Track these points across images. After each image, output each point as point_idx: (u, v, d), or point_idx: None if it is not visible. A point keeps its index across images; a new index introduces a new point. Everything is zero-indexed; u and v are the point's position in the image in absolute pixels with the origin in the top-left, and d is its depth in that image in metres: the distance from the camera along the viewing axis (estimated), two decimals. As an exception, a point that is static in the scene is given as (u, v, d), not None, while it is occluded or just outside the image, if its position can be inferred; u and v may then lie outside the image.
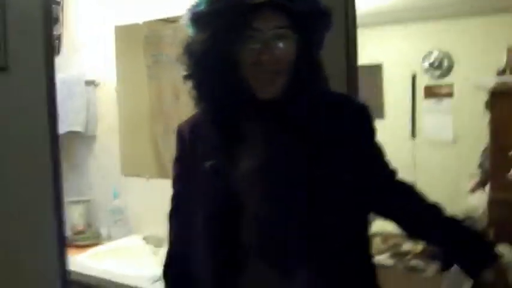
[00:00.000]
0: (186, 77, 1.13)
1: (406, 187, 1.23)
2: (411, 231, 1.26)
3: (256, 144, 1.12)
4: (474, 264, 1.15)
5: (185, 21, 1.09)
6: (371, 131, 1.21)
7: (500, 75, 4.05)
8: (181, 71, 1.14)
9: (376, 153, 1.22)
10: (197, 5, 1.07)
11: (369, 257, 1.23)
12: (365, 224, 1.20)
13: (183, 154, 1.24)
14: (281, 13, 1.04)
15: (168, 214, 1.29)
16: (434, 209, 1.20)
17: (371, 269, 1.21)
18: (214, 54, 1.06)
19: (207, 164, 1.13)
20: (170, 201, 1.29)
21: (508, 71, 3.94)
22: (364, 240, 1.21)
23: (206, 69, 1.09)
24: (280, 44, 1.05)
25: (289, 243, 1.09)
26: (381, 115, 5.45)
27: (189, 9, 1.08)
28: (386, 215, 1.24)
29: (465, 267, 1.18)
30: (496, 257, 1.15)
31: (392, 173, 1.23)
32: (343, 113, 1.17)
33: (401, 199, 1.22)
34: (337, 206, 1.11)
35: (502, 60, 4.09)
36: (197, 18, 1.07)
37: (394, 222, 1.24)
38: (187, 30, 1.10)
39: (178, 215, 1.27)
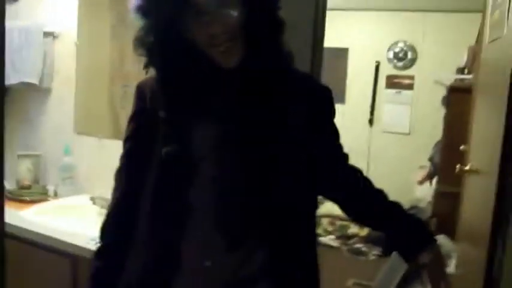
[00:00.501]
0: (146, 66, 1.14)
1: (354, 171, 1.27)
2: (353, 214, 1.29)
3: (218, 111, 1.13)
4: (411, 247, 1.20)
5: (132, 13, 1.10)
6: (330, 113, 1.23)
7: (459, 73, 4.18)
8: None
9: (331, 135, 1.25)
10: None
11: (314, 236, 1.25)
12: (313, 203, 1.22)
13: (141, 110, 1.22)
14: None
15: (116, 171, 1.27)
16: (377, 194, 1.24)
17: (313, 248, 1.23)
18: (167, 38, 1.08)
19: (162, 129, 1.13)
20: (120, 159, 1.27)
21: (467, 70, 4.06)
22: (311, 219, 1.23)
23: (164, 55, 1.10)
24: (226, 10, 1.04)
25: (239, 211, 1.10)
26: (342, 100, 5.52)
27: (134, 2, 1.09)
28: (333, 196, 1.27)
29: (402, 250, 1.22)
30: (432, 242, 1.20)
31: (343, 156, 1.27)
32: (306, 91, 1.19)
33: (347, 182, 1.26)
34: (289, 179, 1.13)
35: (463, 59, 4.20)
36: (142, 7, 1.08)
37: (338, 205, 1.27)
38: (136, 23, 1.11)
39: (127, 170, 1.25)
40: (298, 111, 1.15)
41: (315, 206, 1.23)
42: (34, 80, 2.59)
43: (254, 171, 1.09)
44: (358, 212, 1.28)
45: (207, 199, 1.11)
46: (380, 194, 1.24)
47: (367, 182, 1.26)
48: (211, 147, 1.11)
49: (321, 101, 1.21)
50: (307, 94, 1.18)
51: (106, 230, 1.26)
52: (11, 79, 2.54)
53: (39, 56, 2.59)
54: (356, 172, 1.27)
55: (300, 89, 1.18)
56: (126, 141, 1.25)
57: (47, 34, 2.59)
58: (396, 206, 1.23)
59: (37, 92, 2.66)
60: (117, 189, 1.26)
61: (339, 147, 1.26)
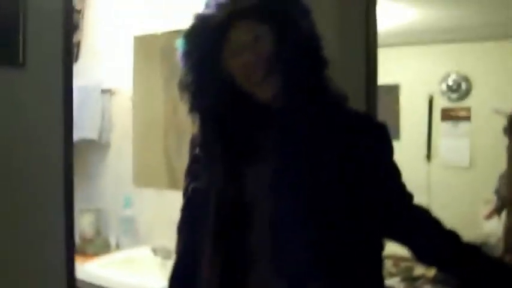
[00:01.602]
0: (190, 111, 1.16)
1: (422, 211, 1.19)
2: (425, 258, 1.22)
3: (266, 150, 1.12)
4: None
5: (179, 61, 1.15)
6: (389, 151, 1.18)
7: (520, 100, 4.01)
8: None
9: (392, 174, 1.19)
10: (182, 44, 1.13)
11: (381, 279, 1.19)
12: (378, 246, 1.17)
13: (194, 164, 1.23)
14: (248, 15, 1.08)
15: (177, 224, 1.27)
16: (450, 236, 1.16)
17: None
18: (207, 77, 1.11)
19: (215, 175, 1.14)
20: (180, 212, 1.27)
21: (527, 97, 3.89)
22: (376, 261, 1.18)
23: (205, 94, 1.13)
24: (259, 43, 1.08)
25: (299, 255, 1.06)
26: (397, 136, 5.41)
27: (179, 52, 1.14)
28: (400, 239, 1.20)
29: None
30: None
31: (408, 196, 1.20)
32: (360, 128, 1.15)
33: (416, 223, 1.19)
34: (351, 224, 1.09)
35: (522, 86, 4.04)
36: (185, 52, 1.13)
37: (407, 247, 1.19)
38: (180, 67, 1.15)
39: (186, 225, 1.25)
40: (354, 150, 1.11)
41: (380, 248, 1.18)
42: (94, 136, 2.69)
43: (310, 213, 1.06)
44: (429, 255, 1.19)
45: (266, 243, 1.09)
46: (452, 234, 1.15)
47: (436, 221, 1.17)
48: (264, 189, 1.09)
49: (377, 138, 1.17)
50: (362, 132, 1.15)
51: (172, 284, 1.27)
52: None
53: (98, 112, 2.69)
54: (423, 211, 1.19)
55: (353, 127, 1.14)
56: (185, 194, 1.26)
57: (104, 91, 2.70)
58: (470, 246, 1.15)
59: (96, 147, 2.75)
60: (179, 243, 1.27)
61: (402, 186, 1.19)
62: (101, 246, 2.57)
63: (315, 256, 1.06)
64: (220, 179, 1.13)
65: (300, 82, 1.09)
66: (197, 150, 1.21)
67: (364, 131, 1.16)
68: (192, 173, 1.24)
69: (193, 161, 1.24)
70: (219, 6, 1.09)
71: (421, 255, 1.20)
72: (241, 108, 1.13)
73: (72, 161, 1.40)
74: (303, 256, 1.07)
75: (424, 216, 1.19)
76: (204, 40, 1.09)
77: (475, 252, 1.15)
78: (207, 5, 1.12)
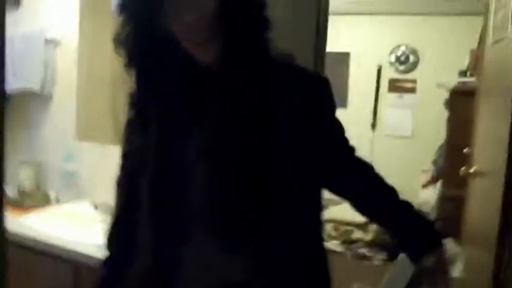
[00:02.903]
0: (126, 66, 1.12)
1: (364, 165, 1.23)
2: (365, 209, 1.25)
3: (203, 111, 1.10)
4: (418, 248, 1.18)
5: (115, 13, 1.09)
6: (329, 104, 1.18)
7: (462, 76, 4.16)
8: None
9: (335, 128, 1.20)
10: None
11: (321, 240, 1.23)
12: (318, 203, 1.19)
13: (132, 122, 1.21)
14: None
15: (117, 179, 1.26)
16: (389, 191, 1.21)
17: (322, 253, 1.21)
18: (146, 33, 1.06)
19: (152, 130, 1.12)
20: (118, 167, 1.26)
21: (469, 72, 4.04)
22: (316, 222, 1.20)
23: (143, 51, 1.09)
24: (200, 1, 1.02)
25: (235, 214, 1.07)
26: (344, 104, 5.51)
27: (114, 2, 1.10)
28: (342, 190, 1.23)
29: (409, 250, 1.20)
30: (439, 244, 1.18)
31: (351, 149, 1.22)
32: (300, 83, 1.13)
33: (358, 176, 1.22)
34: (287, 176, 1.09)
35: (465, 62, 4.19)
36: (120, 9, 1.08)
37: (348, 200, 1.23)
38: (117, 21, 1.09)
39: (123, 181, 1.24)
40: (293, 104, 1.10)
41: (320, 206, 1.20)
42: (35, 87, 2.58)
43: (247, 170, 1.06)
44: (368, 207, 1.24)
45: (202, 202, 1.09)
46: (391, 190, 1.21)
47: (378, 177, 1.22)
48: (201, 149, 1.09)
49: (317, 92, 1.15)
50: (301, 86, 1.13)
51: (109, 241, 1.27)
52: (12, 85, 2.53)
53: (41, 62, 2.58)
54: (366, 166, 1.23)
55: (292, 82, 1.12)
56: (122, 149, 1.25)
57: (48, 41, 2.58)
58: (407, 204, 1.20)
59: (38, 98, 2.66)
60: (117, 199, 1.26)
61: (345, 140, 1.21)
62: (40, 200, 2.51)
63: (251, 215, 1.07)
64: (156, 141, 1.12)
65: (241, 44, 1.07)
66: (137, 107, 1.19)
67: (302, 84, 1.13)
68: (129, 130, 1.22)
69: (131, 117, 1.22)
70: None
71: (361, 206, 1.24)
72: (181, 68, 1.09)
73: (3, 109, 1.32)
74: (238, 215, 1.07)
75: (366, 169, 1.23)
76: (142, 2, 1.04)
77: (409, 209, 1.21)
78: None
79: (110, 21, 2.40)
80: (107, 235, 1.28)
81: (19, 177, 2.59)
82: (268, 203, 1.07)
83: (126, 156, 1.24)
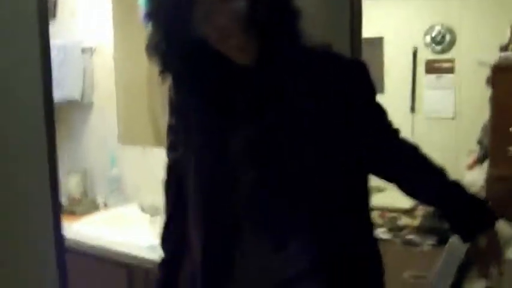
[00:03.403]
0: (161, 73, 1.11)
1: (410, 147, 1.20)
2: (413, 191, 1.23)
3: (247, 112, 1.10)
4: (470, 227, 1.15)
5: (143, 23, 1.09)
6: (370, 88, 1.16)
7: (503, 51, 4.01)
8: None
9: (378, 112, 1.18)
10: (145, 4, 1.08)
11: (371, 226, 1.21)
12: (364, 191, 1.18)
13: (174, 122, 1.23)
14: None
15: (163, 184, 1.28)
16: (437, 171, 1.18)
17: (374, 241, 1.19)
18: (179, 41, 1.05)
19: (196, 138, 1.13)
20: (165, 170, 1.28)
21: (510, 47, 3.90)
22: (365, 210, 1.18)
23: (177, 58, 1.07)
24: (232, 3, 1.01)
25: (284, 210, 1.07)
26: (381, 89, 5.41)
27: (142, 11, 1.07)
28: (390, 174, 1.21)
29: (461, 230, 1.17)
30: (492, 224, 1.15)
31: (395, 131, 1.20)
32: (339, 71, 1.12)
33: (405, 158, 1.20)
34: (334, 169, 1.08)
35: (505, 37, 4.04)
36: (150, 13, 1.07)
37: (396, 183, 1.20)
38: (147, 30, 1.09)
39: (172, 185, 1.26)
40: (335, 92, 1.09)
41: (367, 193, 1.19)
42: (76, 96, 2.65)
43: (295, 167, 1.06)
44: (417, 188, 1.21)
45: (250, 202, 1.09)
46: (440, 171, 1.18)
47: (425, 158, 1.19)
48: (246, 150, 1.08)
49: (357, 78, 1.14)
50: (341, 73, 1.11)
51: (164, 244, 1.30)
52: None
53: (79, 72, 2.64)
54: (412, 148, 1.20)
55: (332, 70, 1.11)
56: (168, 152, 1.26)
57: (85, 50, 2.64)
58: (457, 183, 1.18)
59: (79, 107, 2.72)
60: (166, 202, 1.29)
61: (388, 123, 1.19)
62: (89, 206, 2.58)
63: (299, 210, 1.07)
64: (200, 145, 1.12)
65: (277, 42, 1.06)
66: (179, 110, 1.20)
67: (341, 70, 1.12)
68: (173, 132, 1.24)
69: (173, 121, 1.23)
70: None
71: (410, 188, 1.21)
72: (218, 70, 1.08)
73: (53, 122, 1.37)
74: (287, 212, 1.07)
75: (412, 150, 1.20)
76: (170, 1, 1.03)
77: (460, 189, 1.18)
78: None
79: (143, 27, 2.44)
80: (160, 236, 1.30)
81: (67, 185, 2.66)
82: (317, 198, 1.07)
83: (171, 160, 1.26)
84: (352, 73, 1.13)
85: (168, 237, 1.29)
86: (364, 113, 1.14)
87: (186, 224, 1.20)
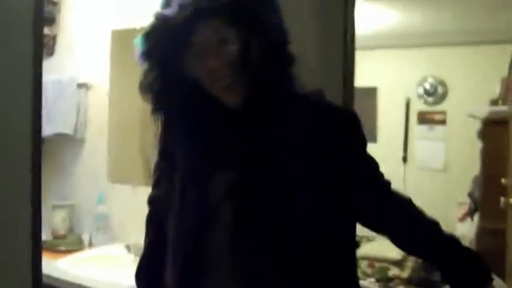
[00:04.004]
0: (154, 111, 1.12)
1: (401, 199, 1.19)
2: (405, 243, 1.20)
3: (231, 154, 1.09)
4: (466, 282, 1.12)
5: (138, 61, 1.10)
6: (361, 139, 1.16)
7: (493, 105, 4.08)
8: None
9: (368, 163, 1.17)
10: (140, 46, 1.09)
11: (355, 278, 1.19)
12: (352, 244, 1.16)
13: (161, 159, 1.23)
14: (212, 16, 1.03)
15: (146, 218, 1.27)
16: (430, 224, 1.16)
17: None
18: (171, 80, 1.07)
19: (179, 174, 1.12)
20: (148, 205, 1.27)
21: (500, 101, 3.96)
22: (350, 260, 1.16)
23: (169, 98, 1.09)
24: (225, 46, 1.03)
25: (260, 257, 1.04)
26: (374, 139, 5.45)
27: (138, 50, 1.10)
28: (381, 226, 1.19)
29: (456, 285, 1.15)
30: (488, 279, 1.13)
31: (386, 183, 1.19)
32: (331, 120, 1.12)
33: (396, 210, 1.18)
34: (316, 218, 1.06)
35: (495, 90, 4.12)
36: (145, 52, 1.08)
37: (387, 235, 1.18)
38: (141, 69, 1.11)
39: (153, 221, 1.25)
40: (325, 141, 1.08)
41: (354, 243, 1.17)
42: (68, 131, 2.65)
43: (277, 215, 1.04)
44: (409, 240, 1.18)
45: (226, 244, 1.06)
46: (433, 224, 1.16)
47: (418, 210, 1.17)
48: (228, 191, 1.07)
49: (348, 128, 1.13)
50: (332, 123, 1.11)
51: (138, 278, 1.27)
52: (45, 130, 2.59)
53: (73, 107, 2.65)
54: (405, 200, 1.18)
55: (322, 119, 1.10)
56: (152, 188, 1.26)
57: (80, 85, 2.66)
58: (451, 236, 1.16)
59: (71, 142, 2.71)
60: (146, 236, 1.27)
61: (379, 174, 1.18)
62: (73, 243, 2.53)
63: (275, 259, 1.04)
64: (182, 184, 1.11)
65: (268, 86, 1.06)
66: (167, 148, 1.19)
67: (332, 120, 1.12)
68: (159, 169, 1.24)
69: (162, 158, 1.23)
70: (182, 6, 1.02)
71: (402, 241, 1.19)
72: (207, 111, 1.09)
73: (40, 155, 1.36)
74: (262, 259, 1.04)
75: (403, 202, 1.18)
76: (166, 41, 1.04)
77: (455, 243, 1.15)
78: (167, 3, 1.06)
79: (139, 65, 2.46)
80: (136, 272, 1.28)
81: (53, 220, 2.62)
82: (297, 243, 1.04)
83: (155, 196, 1.25)
84: (344, 123, 1.13)
85: (143, 273, 1.27)
86: (354, 164, 1.13)
87: (163, 261, 1.17)
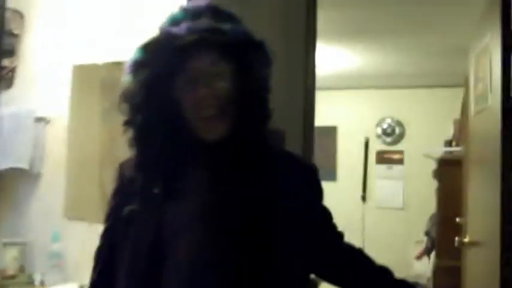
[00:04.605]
0: (126, 123, 1.11)
1: (353, 250, 1.22)
2: None
3: (194, 188, 1.08)
4: None
5: (126, 71, 1.09)
6: (317, 191, 1.20)
7: (447, 145, 4.23)
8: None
9: (322, 215, 1.21)
10: (134, 54, 1.09)
11: None
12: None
13: (118, 191, 1.20)
14: (215, 49, 1.05)
15: (95, 252, 1.23)
16: (383, 273, 1.19)
17: None
18: (154, 98, 1.06)
19: (128, 209, 1.10)
20: (99, 238, 1.23)
21: (454, 142, 4.12)
22: None
23: (147, 114, 1.08)
24: (218, 80, 1.05)
25: None
26: (334, 178, 5.53)
27: (129, 60, 1.09)
28: (333, 278, 1.21)
29: None
30: None
31: (338, 235, 1.22)
32: (291, 170, 1.15)
33: (348, 262, 1.21)
34: (275, 267, 1.05)
35: (449, 132, 4.27)
36: (137, 61, 1.08)
37: (339, 284, 1.20)
38: (126, 79, 1.10)
39: (103, 253, 1.21)
40: (283, 191, 1.10)
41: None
42: (24, 165, 2.57)
43: (227, 254, 1.02)
44: None
45: (179, 281, 1.04)
46: (384, 272, 1.18)
47: (367, 260, 1.20)
48: (184, 227, 1.06)
49: (307, 180, 1.18)
50: (290, 173, 1.14)
51: None
52: (0, 164, 2.52)
53: (30, 141, 2.58)
54: (354, 251, 1.22)
55: (282, 168, 1.14)
56: (105, 219, 1.22)
57: (38, 119, 2.60)
58: (404, 282, 1.18)
59: (27, 177, 2.63)
60: (94, 269, 1.22)
61: (333, 226, 1.22)
62: (23, 284, 2.42)
63: None
64: (137, 215, 1.09)
65: (246, 130, 1.08)
66: (124, 181, 1.17)
67: (291, 172, 1.15)
68: (114, 201, 1.20)
69: (117, 190, 1.20)
70: (191, 29, 1.03)
71: None
72: (178, 140, 1.09)
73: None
74: None
75: (355, 254, 1.21)
76: (164, 56, 1.04)
77: (408, 286, 1.18)
78: (174, 21, 1.07)
79: (100, 102, 2.45)
80: None
81: (3, 259, 2.51)
82: (252, 283, 1.03)
83: (107, 227, 1.22)
84: (303, 175, 1.17)
85: None
86: (310, 214, 1.15)
87: None
